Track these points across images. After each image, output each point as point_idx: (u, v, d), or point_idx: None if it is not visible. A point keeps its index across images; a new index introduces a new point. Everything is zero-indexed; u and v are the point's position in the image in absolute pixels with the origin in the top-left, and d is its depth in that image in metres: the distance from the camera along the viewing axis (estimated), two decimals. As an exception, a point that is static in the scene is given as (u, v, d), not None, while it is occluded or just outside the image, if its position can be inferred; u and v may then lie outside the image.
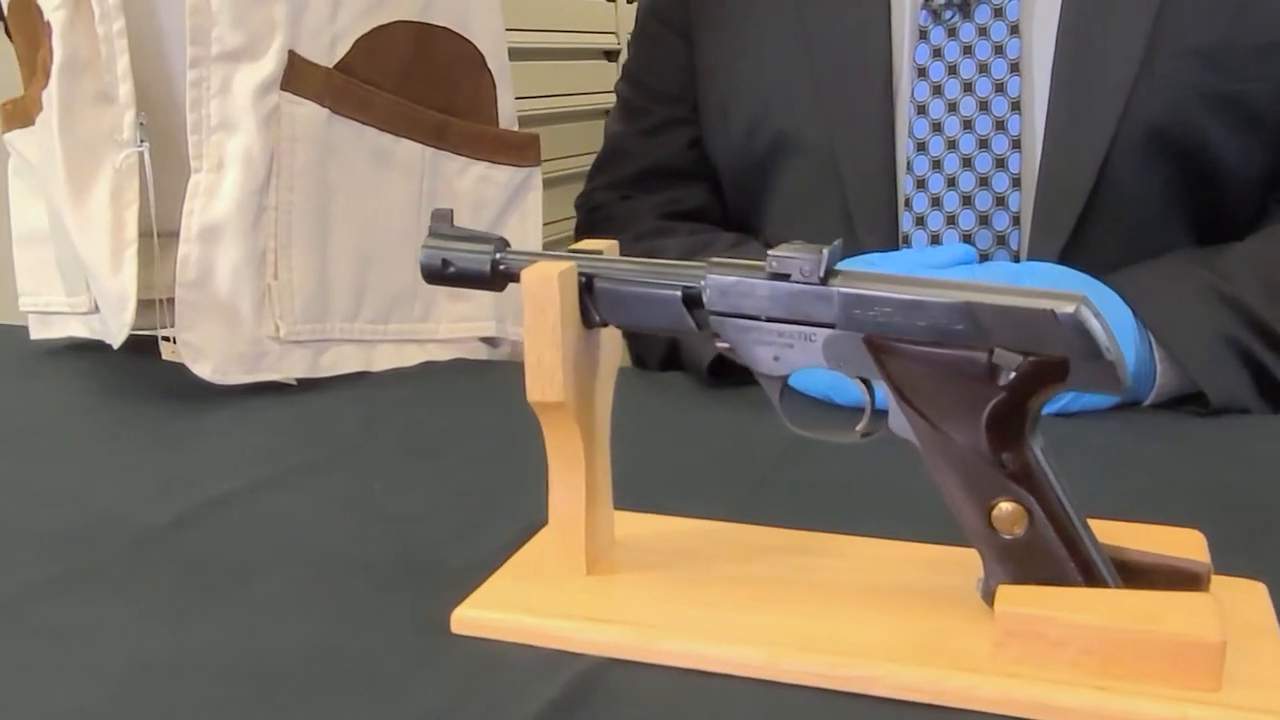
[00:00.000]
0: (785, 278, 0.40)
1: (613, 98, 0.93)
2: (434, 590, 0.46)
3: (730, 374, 0.72)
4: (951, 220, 0.75)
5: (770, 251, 0.41)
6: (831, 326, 0.40)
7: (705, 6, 0.85)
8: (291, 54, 0.71)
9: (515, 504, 0.54)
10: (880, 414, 0.41)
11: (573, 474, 0.43)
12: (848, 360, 0.40)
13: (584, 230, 0.90)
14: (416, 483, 0.59)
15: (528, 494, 0.54)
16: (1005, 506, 0.39)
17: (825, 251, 0.40)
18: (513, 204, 0.82)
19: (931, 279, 0.39)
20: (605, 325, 0.43)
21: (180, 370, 0.73)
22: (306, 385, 0.75)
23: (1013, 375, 0.38)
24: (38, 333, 0.84)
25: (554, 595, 0.43)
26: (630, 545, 0.47)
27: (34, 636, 0.44)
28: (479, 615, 0.42)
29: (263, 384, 0.73)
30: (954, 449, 0.39)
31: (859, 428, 0.42)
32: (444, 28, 0.77)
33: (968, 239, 0.74)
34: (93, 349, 0.80)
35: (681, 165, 0.88)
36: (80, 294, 0.78)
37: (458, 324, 0.81)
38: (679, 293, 0.42)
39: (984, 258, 0.74)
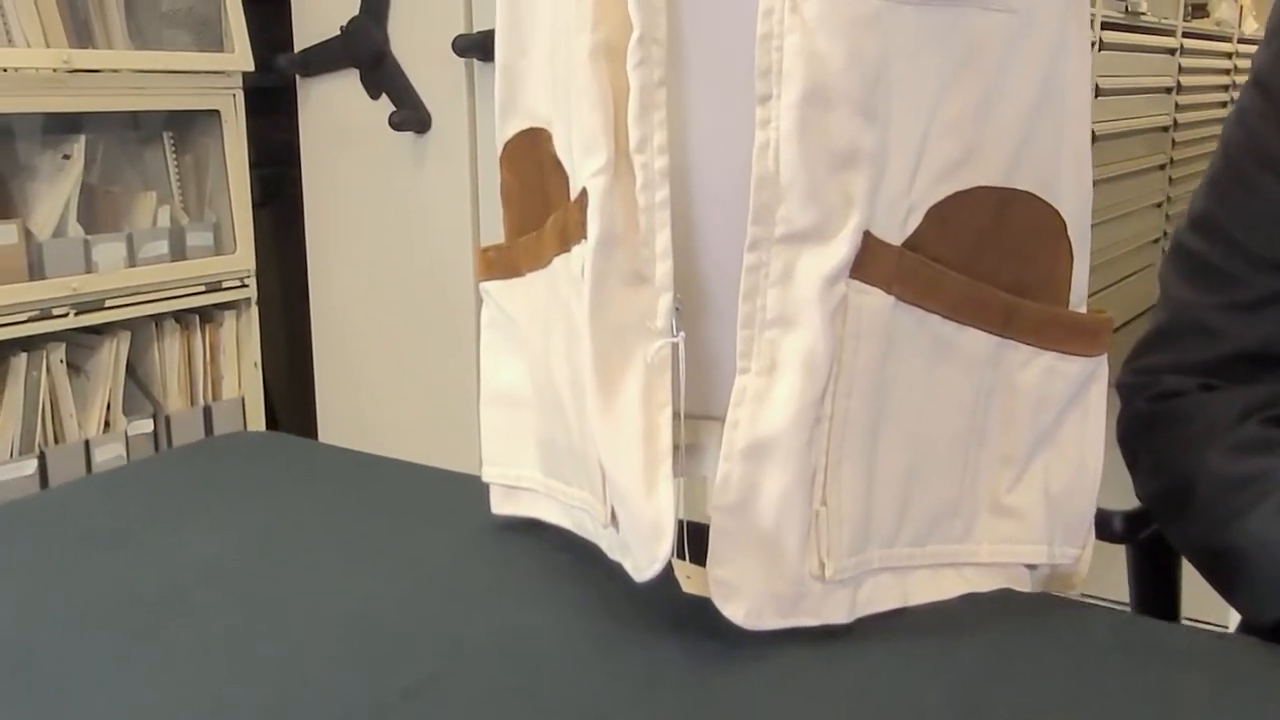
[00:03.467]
0: None
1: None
2: None
3: None
4: None
5: None
6: None
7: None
8: (866, 235, 0.58)
9: None
10: None
11: None
12: None
13: (1144, 423, 0.73)
14: None
15: None
16: None
17: None
18: (1075, 399, 0.66)
19: None
20: None
21: (691, 600, 0.61)
22: (835, 628, 0.61)
23: None
24: (501, 507, 0.75)
25: None
26: None
27: None
28: None
29: (791, 629, 0.60)
30: None
31: None
32: (1027, 192, 0.63)
33: None
34: (572, 542, 0.70)
35: (1289, 354, 0.70)
36: (567, 483, 0.68)
37: (1001, 545, 0.66)
38: None
39: None
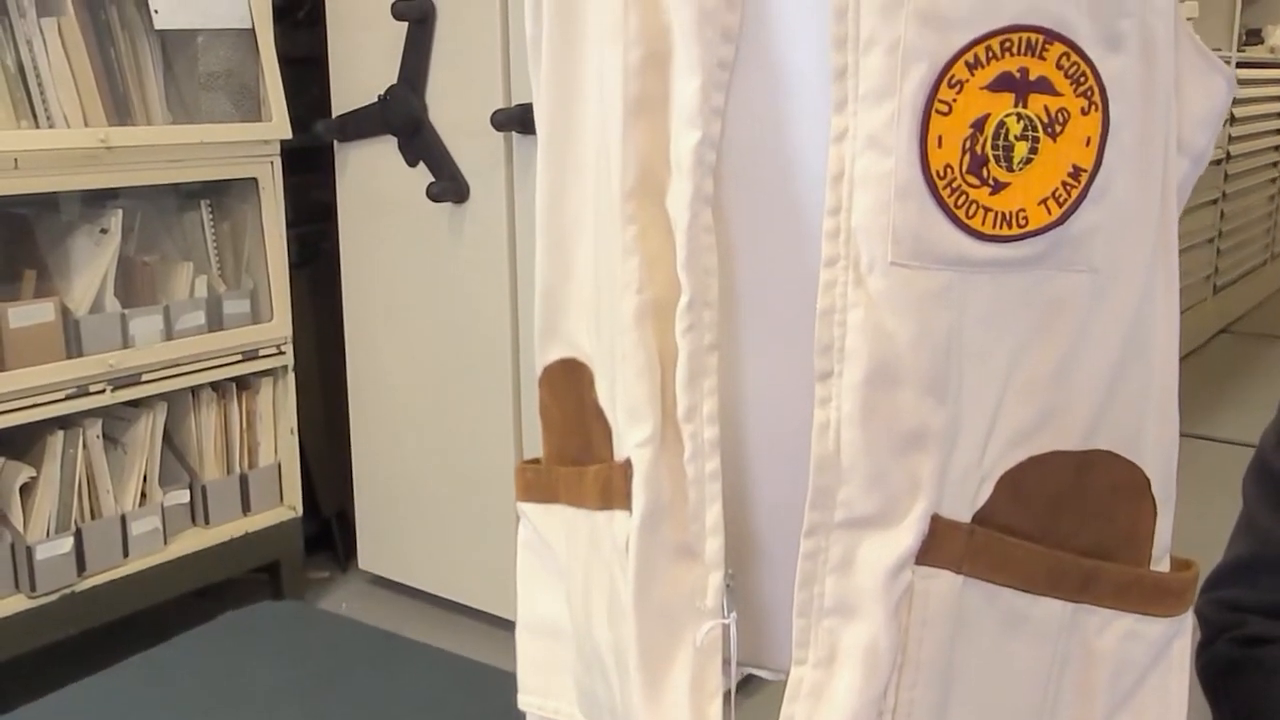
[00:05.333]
0: None
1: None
2: None
3: None
4: None
5: None
6: None
7: None
8: (934, 518, 0.54)
9: None
10: None
11: None
12: None
13: (1229, 668, 0.68)
14: None
15: None
16: None
17: None
18: (1157, 660, 0.62)
19: None
20: None
21: None
22: None
23: None
24: (539, 736, 0.71)
25: None
26: None
27: None
28: None
29: None
30: None
31: None
32: (1108, 451, 0.58)
33: None
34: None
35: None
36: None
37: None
38: None
39: None
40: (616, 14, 0.54)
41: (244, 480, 2.14)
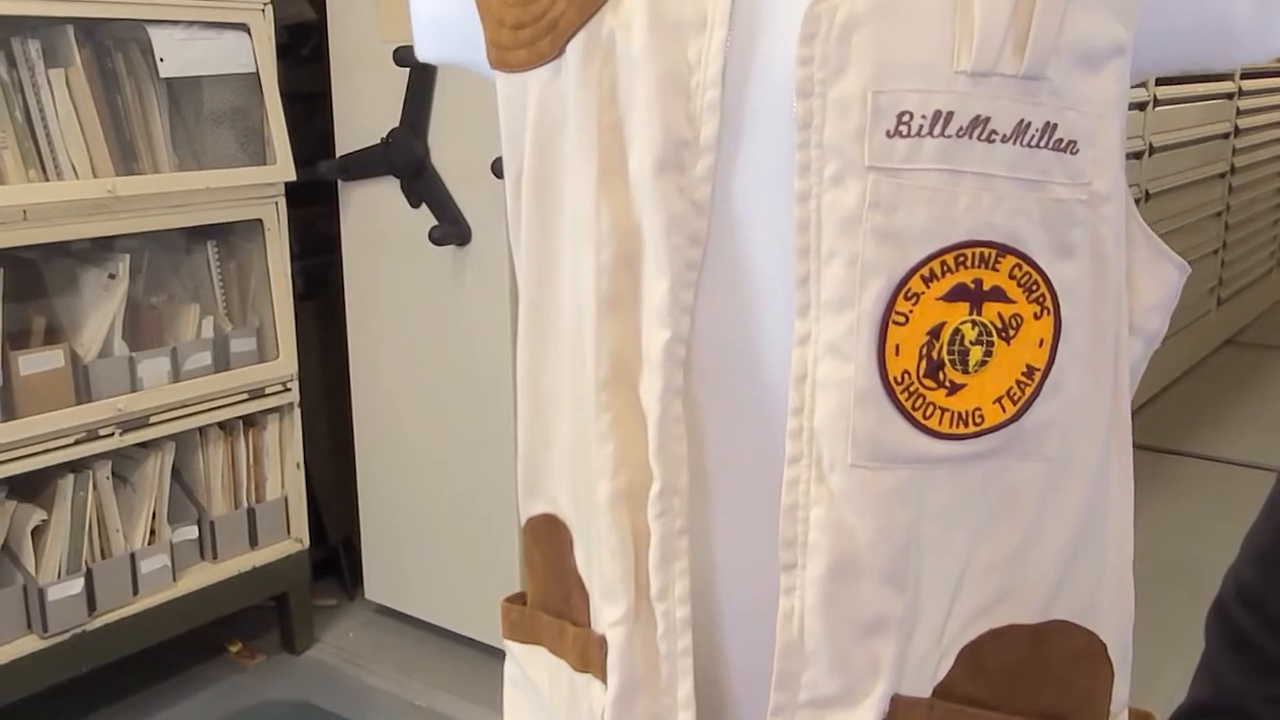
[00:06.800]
0: None
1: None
2: None
3: None
4: None
5: None
6: None
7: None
8: (894, 698, 0.56)
9: None
10: None
11: None
12: None
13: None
14: None
15: None
16: None
17: None
18: (1117, 808, 0.64)
19: None
20: None
21: None
22: None
23: None
24: None
25: None
26: None
27: None
28: None
29: None
30: None
31: None
32: (1065, 621, 0.61)
33: None
34: None
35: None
36: None
37: None
38: None
39: None
40: (589, 212, 0.57)
41: (251, 515, 2.17)
